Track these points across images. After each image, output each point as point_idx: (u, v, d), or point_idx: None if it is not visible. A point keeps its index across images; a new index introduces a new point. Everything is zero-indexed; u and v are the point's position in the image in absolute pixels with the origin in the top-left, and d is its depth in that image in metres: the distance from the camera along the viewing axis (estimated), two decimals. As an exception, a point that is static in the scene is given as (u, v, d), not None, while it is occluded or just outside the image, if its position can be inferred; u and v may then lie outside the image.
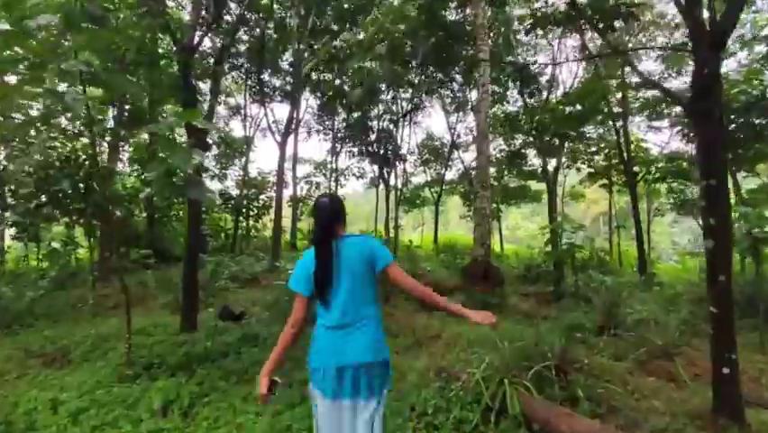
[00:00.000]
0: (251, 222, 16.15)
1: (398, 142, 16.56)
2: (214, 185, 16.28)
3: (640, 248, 9.49)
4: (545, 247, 8.28)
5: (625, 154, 9.79)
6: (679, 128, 9.85)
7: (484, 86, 6.54)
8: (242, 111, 16.41)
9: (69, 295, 7.25)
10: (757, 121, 8.12)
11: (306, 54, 12.80)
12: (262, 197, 16.27)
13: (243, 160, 16.71)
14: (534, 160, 19.80)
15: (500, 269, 6.83)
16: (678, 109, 10.82)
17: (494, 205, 17.52)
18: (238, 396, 3.23)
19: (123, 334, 3.82)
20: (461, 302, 5.79)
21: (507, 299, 6.40)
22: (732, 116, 8.65)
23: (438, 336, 4.95)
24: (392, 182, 18.42)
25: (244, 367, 3.76)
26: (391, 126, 16.75)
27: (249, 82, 14.80)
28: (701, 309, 6.07)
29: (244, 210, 15.45)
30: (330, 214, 1.87)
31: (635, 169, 9.67)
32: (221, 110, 17.21)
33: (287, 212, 16.93)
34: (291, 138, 15.83)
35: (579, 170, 12.96)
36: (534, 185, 21.43)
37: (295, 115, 13.51)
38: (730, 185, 11.80)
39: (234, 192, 15.95)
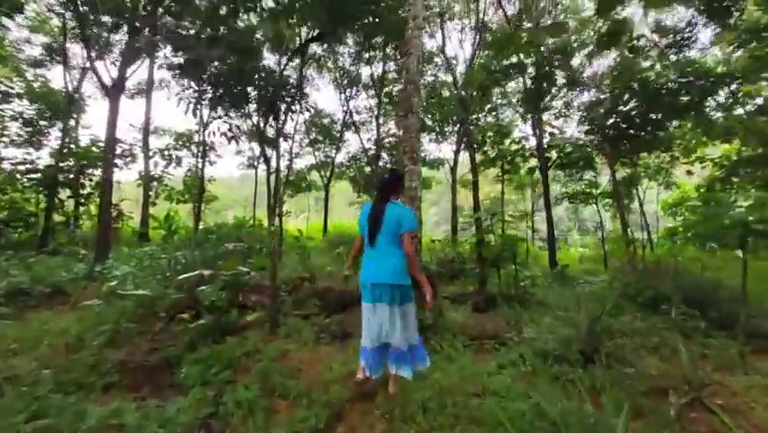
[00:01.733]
0: (75, 205, 11.95)
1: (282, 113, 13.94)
2: (9, 152, 11.56)
3: (551, 239, 8.89)
4: (459, 239, 6.91)
5: (537, 137, 9.10)
6: (584, 114, 9.49)
7: (415, 18, 4.73)
8: (63, 55, 11.93)
9: None
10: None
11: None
12: (97, 172, 12.19)
13: (71, 121, 12.30)
14: (427, 145, 19.12)
15: (430, 271, 5.20)
16: (585, 97, 10.62)
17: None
18: None
19: None
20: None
21: (444, 311, 4.77)
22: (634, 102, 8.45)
23: (370, 396, 2.98)
24: (275, 163, 15.76)
25: None
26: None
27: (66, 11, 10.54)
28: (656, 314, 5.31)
29: (70, 189, 11.30)
30: (385, 185, 2.87)
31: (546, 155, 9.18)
32: (29, 51, 12.44)
33: (134, 193, 13.15)
34: (143, 102, 12.10)
35: (486, 153, 12.26)
36: (425, 172, 20.89)
37: (132, 70, 10.03)
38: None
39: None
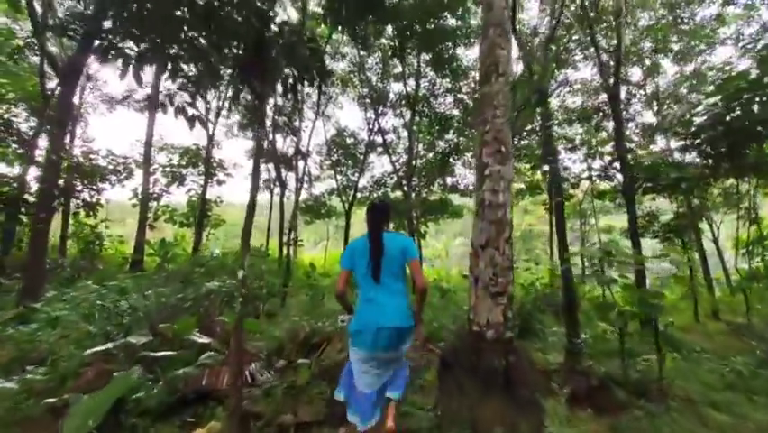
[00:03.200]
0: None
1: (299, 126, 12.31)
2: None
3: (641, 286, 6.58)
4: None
5: (620, 153, 7.04)
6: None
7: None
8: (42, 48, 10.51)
9: None
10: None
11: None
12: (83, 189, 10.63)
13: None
14: (460, 169, 17.11)
15: (523, 354, 3.03)
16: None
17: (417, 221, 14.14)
18: None
19: None
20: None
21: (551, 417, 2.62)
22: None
23: None
24: (292, 185, 14.10)
25: None
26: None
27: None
28: None
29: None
30: (381, 214, 2.44)
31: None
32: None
33: (128, 214, 11.54)
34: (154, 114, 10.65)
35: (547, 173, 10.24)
36: (456, 199, 18.80)
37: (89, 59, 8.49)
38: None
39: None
